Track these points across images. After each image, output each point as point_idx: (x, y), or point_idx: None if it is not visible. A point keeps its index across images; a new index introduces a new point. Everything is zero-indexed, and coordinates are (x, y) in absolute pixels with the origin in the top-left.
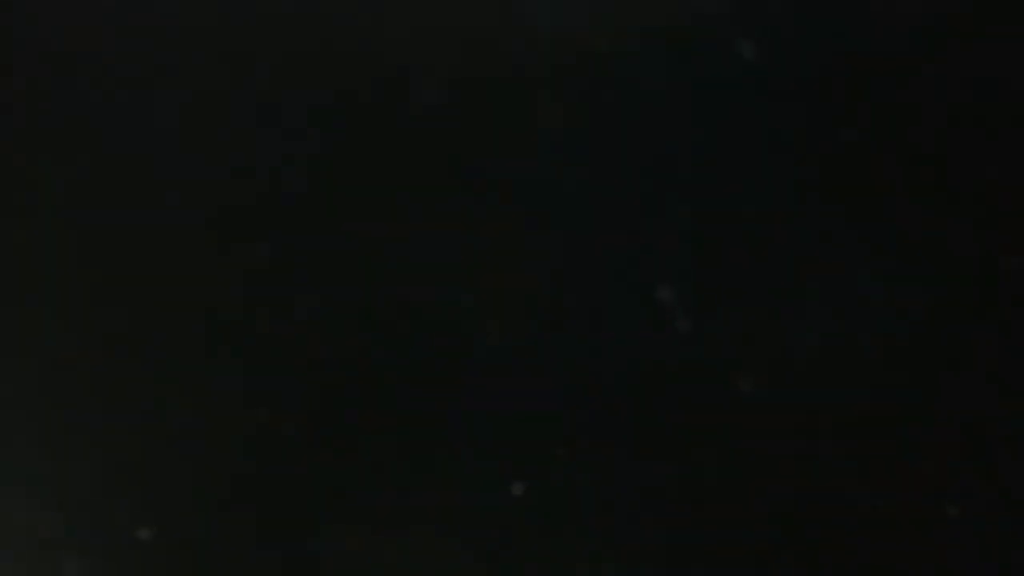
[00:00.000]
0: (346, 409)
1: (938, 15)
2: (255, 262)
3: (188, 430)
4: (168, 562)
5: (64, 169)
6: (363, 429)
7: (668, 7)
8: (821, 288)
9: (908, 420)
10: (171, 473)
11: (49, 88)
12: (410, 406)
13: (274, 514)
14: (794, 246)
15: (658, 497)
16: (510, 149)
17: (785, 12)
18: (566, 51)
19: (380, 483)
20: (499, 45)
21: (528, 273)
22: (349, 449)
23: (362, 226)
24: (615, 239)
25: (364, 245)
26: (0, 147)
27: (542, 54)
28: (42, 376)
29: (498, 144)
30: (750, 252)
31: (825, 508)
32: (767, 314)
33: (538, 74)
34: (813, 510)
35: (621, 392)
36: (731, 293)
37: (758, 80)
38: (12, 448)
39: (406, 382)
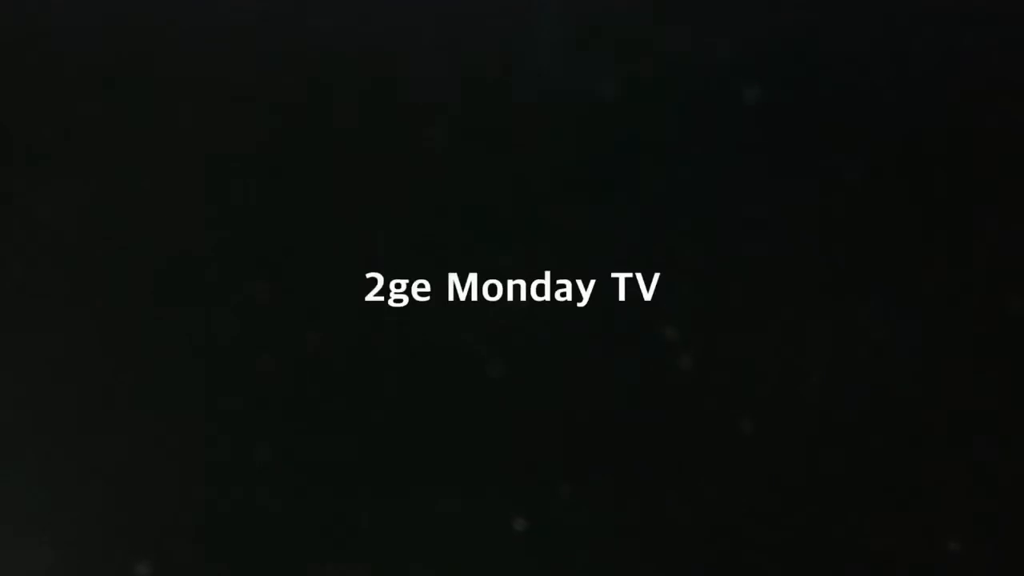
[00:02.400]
0: (346, 446)
1: (944, 60)
2: (256, 300)
3: (187, 466)
4: None
5: (55, 218)
6: (363, 465)
7: (673, 55)
8: (823, 328)
9: (909, 457)
10: (170, 508)
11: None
12: (412, 442)
13: (273, 551)
14: (796, 287)
15: (660, 534)
16: (516, 193)
17: (789, 59)
18: (571, 99)
19: (381, 519)
20: (504, 94)
21: (532, 311)
22: (349, 486)
23: (363, 266)
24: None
25: (366, 286)
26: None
27: (547, 102)
28: (41, 411)
29: (504, 188)
30: (753, 293)
31: (827, 545)
32: (769, 354)
33: (543, 121)
34: (815, 547)
35: (624, 429)
36: (734, 333)
37: (762, 125)
38: (9, 482)
39: (408, 418)
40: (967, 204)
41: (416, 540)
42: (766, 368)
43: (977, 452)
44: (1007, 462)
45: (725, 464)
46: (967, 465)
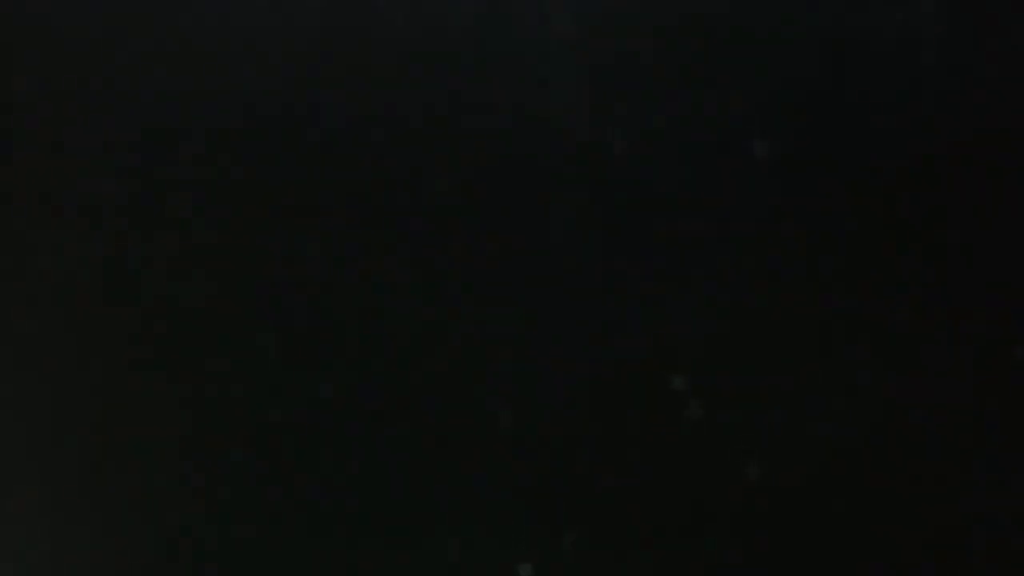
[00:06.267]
0: (353, 491)
1: (952, 115)
2: (264, 350)
3: (191, 514)
4: None
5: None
6: (371, 511)
7: (682, 107)
8: (829, 377)
9: (914, 507)
10: (175, 556)
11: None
12: (419, 488)
13: None
14: (803, 337)
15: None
16: (527, 241)
17: (798, 112)
18: (581, 149)
19: (388, 565)
20: (515, 141)
21: (542, 360)
22: (356, 531)
23: (371, 312)
24: (630, 329)
25: (373, 331)
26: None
27: (558, 152)
28: (43, 470)
29: (515, 236)
30: (760, 343)
31: None
32: (776, 404)
33: (554, 170)
34: None
35: (631, 476)
36: (741, 383)
37: (770, 177)
38: (12, 524)
39: (415, 464)
40: (975, 257)
41: None
42: (772, 427)
43: (983, 500)
44: (1011, 510)
45: (732, 511)
46: (973, 513)
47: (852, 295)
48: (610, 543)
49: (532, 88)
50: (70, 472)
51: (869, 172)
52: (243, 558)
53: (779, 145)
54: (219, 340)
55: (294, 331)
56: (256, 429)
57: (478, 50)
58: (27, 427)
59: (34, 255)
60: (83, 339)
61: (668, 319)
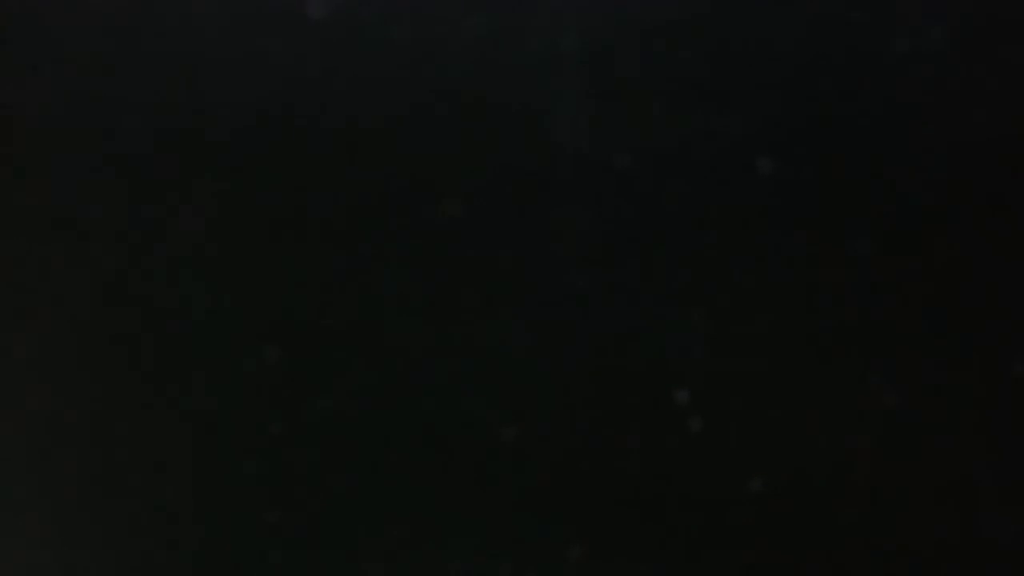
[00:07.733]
0: (357, 511)
1: (960, 131)
2: (267, 365)
3: (195, 529)
4: None
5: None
6: (373, 526)
7: (687, 123)
8: (832, 392)
9: (918, 522)
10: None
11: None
12: (421, 504)
13: None
14: (806, 351)
15: None
16: (530, 259)
17: (803, 129)
18: (586, 168)
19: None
20: (521, 160)
21: (544, 374)
22: (357, 547)
23: (371, 326)
24: (631, 344)
25: (373, 344)
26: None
27: (563, 170)
28: (45, 479)
29: (518, 253)
30: (762, 358)
31: None
32: (779, 418)
33: (558, 188)
34: None
35: (634, 490)
36: (743, 397)
37: (775, 195)
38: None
39: (417, 480)
40: (982, 274)
41: None
42: (777, 432)
43: (987, 514)
44: (1018, 523)
45: (734, 525)
46: (977, 527)
47: (855, 310)
48: (613, 558)
49: (535, 100)
50: (70, 482)
51: (874, 188)
52: (241, 570)
53: (783, 161)
54: (220, 349)
55: (294, 343)
56: (255, 442)
57: (482, 63)
58: (27, 434)
59: (34, 262)
60: (83, 346)
61: (670, 333)
